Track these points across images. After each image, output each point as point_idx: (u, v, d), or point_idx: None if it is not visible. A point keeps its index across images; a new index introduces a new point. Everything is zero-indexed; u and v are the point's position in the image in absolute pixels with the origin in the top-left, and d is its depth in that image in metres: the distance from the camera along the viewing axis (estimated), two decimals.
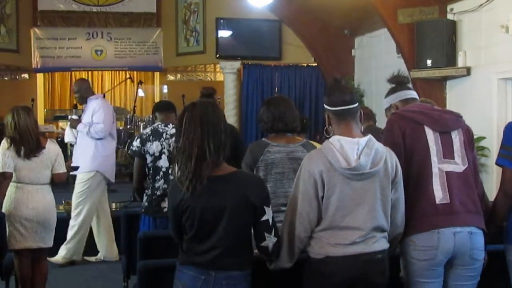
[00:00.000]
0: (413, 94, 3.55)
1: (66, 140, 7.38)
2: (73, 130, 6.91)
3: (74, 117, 7.04)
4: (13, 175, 4.98)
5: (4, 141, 5.01)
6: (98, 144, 6.73)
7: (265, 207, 2.84)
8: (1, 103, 10.63)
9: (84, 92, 6.89)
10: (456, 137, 3.29)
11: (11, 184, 5.01)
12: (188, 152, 2.77)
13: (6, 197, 5.02)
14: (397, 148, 3.17)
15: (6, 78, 12.67)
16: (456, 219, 3.15)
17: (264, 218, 2.83)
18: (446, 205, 3.16)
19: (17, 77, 12.82)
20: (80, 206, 6.70)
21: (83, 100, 6.91)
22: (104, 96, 7.23)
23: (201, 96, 5.24)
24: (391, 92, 3.58)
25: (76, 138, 6.91)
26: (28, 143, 4.96)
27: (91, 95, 6.93)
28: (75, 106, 7.59)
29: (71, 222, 6.69)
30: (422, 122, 3.28)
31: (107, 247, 6.93)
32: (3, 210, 5.01)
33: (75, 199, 6.71)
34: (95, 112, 6.72)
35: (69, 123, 7.04)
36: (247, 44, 11.98)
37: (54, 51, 12.81)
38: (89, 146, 6.69)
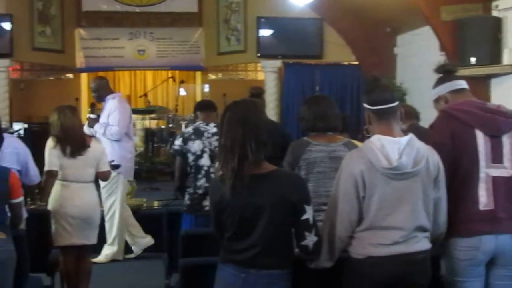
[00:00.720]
0: (462, 84, 3.44)
1: None
2: (91, 129, 6.80)
3: (92, 116, 6.95)
4: (59, 173, 5.08)
5: (50, 140, 5.10)
6: (115, 145, 6.68)
7: (305, 205, 2.83)
8: (46, 102, 10.84)
9: (102, 91, 6.84)
10: (507, 140, 3.21)
11: (56, 182, 5.10)
12: (230, 151, 2.79)
13: (51, 195, 5.11)
14: (444, 149, 3.12)
15: (51, 78, 12.90)
16: (499, 226, 3.12)
17: (304, 217, 2.83)
18: (490, 211, 3.12)
19: (62, 77, 13.04)
20: (112, 208, 6.66)
21: (101, 99, 6.86)
22: (120, 95, 7.16)
23: (250, 96, 5.25)
24: (439, 82, 3.47)
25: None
26: (73, 142, 5.04)
27: (109, 94, 6.87)
28: (93, 105, 7.48)
29: (107, 225, 6.66)
30: (473, 124, 3.20)
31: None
32: (49, 207, 5.11)
33: (105, 202, 6.64)
34: (111, 113, 6.68)
35: (87, 122, 6.94)
36: (288, 42, 11.96)
37: (98, 51, 12.99)
38: (107, 147, 6.42)
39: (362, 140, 4.39)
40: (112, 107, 6.70)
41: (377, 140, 2.94)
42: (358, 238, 2.96)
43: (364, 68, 11.65)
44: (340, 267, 3.01)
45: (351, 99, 11.96)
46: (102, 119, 6.75)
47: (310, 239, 2.86)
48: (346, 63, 12.17)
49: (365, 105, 3.08)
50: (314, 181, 3.77)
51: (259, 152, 2.79)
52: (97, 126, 6.72)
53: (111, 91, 7.01)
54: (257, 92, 5.61)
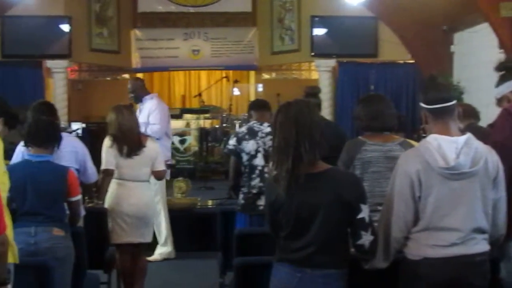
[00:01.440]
0: None
1: None
2: None
3: None
4: (115, 172, 5.16)
5: (107, 139, 5.19)
6: None
7: (361, 205, 2.81)
8: (103, 102, 11.04)
9: (139, 91, 6.87)
10: None
11: (113, 180, 5.19)
12: (284, 151, 2.79)
13: (108, 193, 5.20)
14: (504, 148, 3.06)
15: (108, 78, 13.13)
16: None
17: (360, 215, 2.80)
18: None
19: (118, 77, 13.25)
20: (158, 207, 6.57)
21: (138, 100, 6.88)
22: (157, 95, 7.19)
23: (306, 96, 5.21)
24: (501, 80, 3.40)
25: None
26: (130, 142, 5.11)
27: (146, 94, 6.91)
28: (130, 106, 7.37)
29: (156, 227, 6.51)
30: None
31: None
32: (106, 205, 5.20)
33: None
34: (151, 112, 6.70)
35: None
36: (342, 41, 11.87)
37: (153, 51, 13.16)
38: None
39: (418, 139, 4.33)
40: (152, 107, 6.75)
41: (434, 140, 2.89)
42: (414, 239, 2.92)
43: (420, 67, 11.48)
44: (396, 268, 2.98)
45: (406, 98, 11.81)
46: (142, 119, 6.65)
47: (366, 238, 2.83)
48: (401, 61, 12.02)
49: (422, 104, 3.04)
50: (369, 181, 3.73)
51: (313, 152, 2.78)
52: None
53: (147, 92, 7.06)
54: (313, 91, 5.56)
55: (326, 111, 11.62)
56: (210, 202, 8.40)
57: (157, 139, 6.56)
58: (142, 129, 6.52)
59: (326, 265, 2.81)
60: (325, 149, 2.84)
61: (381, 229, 2.96)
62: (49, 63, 11.34)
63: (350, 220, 2.83)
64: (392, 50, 11.75)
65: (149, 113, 6.72)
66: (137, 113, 6.81)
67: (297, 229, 2.82)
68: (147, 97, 6.89)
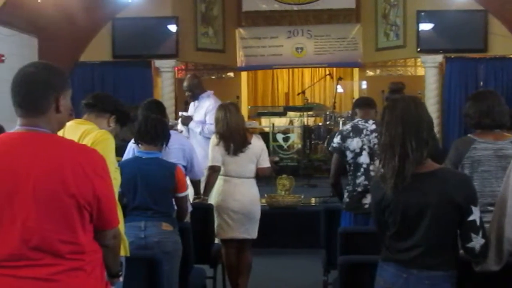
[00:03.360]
0: None
1: None
2: (184, 127, 6.73)
3: (185, 114, 6.90)
4: (221, 168, 5.25)
5: (213, 137, 5.30)
6: (206, 143, 6.26)
7: (472, 206, 2.71)
8: None
9: (195, 89, 6.77)
10: None
11: (219, 177, 5.29)
12: (391, 150, 2.74)
13: (214, 190, 5.31)
14: None
15: (213, 77, 13.35)
16: None
17: (470, 218, 2.70)
18: None
19: (223, 76, 13.46)
20: None
21: (195, 97, 6.80)
22: (213, 93, 6.99)
23: (390, 92, 5.12)
24: None
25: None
26: (236, 139, 5.19)
27: (202, 92, 6.80)
28: (187, 103, 7.22)
29: None
30: None
31: None
32: (212, 201, 5.31)
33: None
34: (208, 112, 6.53)
35: (179, 119, 6.88)
36: (449, 36, 11.51)
37: (257, 50, 13.26)
38: (202, 145, 6.33)
39: None
40: (209, 106, 6.62)
41: None
42: None
43: None
44: (509, 272, 2.86)
45: None
46: (198, 117, 6.70)
47: (476, 241, 2.73)
48: None
49: None
50: (479, 181, 3.61)
51: (420, 151, 2.71)
52: (192, 124, 6.69)
53: (204, 89, 6.90)
54: (397, 87, 5.45)
55: (433, 108, 11.30)
56: (313, 200, 8.40)
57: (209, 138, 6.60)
58: (199, 129, 6.57)
59: (434, 266, 2.73)
60: (434, 148, 2.76)
61: (494, 230, 2.85)
62: (157, 62, 11.67)
63: (460, 222, 2.73)
64: (503, 44, 11.27)
65: (206, 112, 6.62)
66: (192, 110, 6.87)
67: (404, 229, 2.76)
68: (203, 95, 6.81)
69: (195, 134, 6.65)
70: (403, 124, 2.73)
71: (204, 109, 6.68)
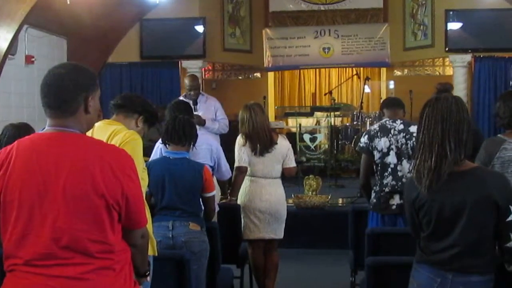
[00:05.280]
0: None
1: None
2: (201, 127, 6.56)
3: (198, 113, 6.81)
4: (248, 169, 5.26)
5: (239, 137, 5.30)
6: (217, 140, 6.42)
7: (510, 206, 2.65)
8: (236, 100, 11.24)
9: (199, 89, 7.05)
10: None
11: (245, 177, 5.30)
12: (428, 148, 2.71)
13: (241, 190, 5.31)
14: None
15: (240, 77, 13.38)
16: None
17: (509, 218, 2.64)
18: None
19: (250, 76, 13.46)
20: None
21: (198, 97, 6.97)
22: None
23: (437, 92, 5.06)
24: None
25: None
26: (263, 140, 5.19)
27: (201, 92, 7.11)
28: (195, 103, 7.02)
29: None
30: None
31: None
32: (239, 202, 5.32)
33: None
34: (217, 108, 6.92)
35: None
36: (478, 35, 11.39)
37: (284, 50, 13.24)
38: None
39: None
40: (215, 103, 6.98)
41: None
42: None
43: None
44: None
45: None
46: (209, 115, 6.85)
47: None
48: None
49: None
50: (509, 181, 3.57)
51: (458, 151, 2.68)
52: (209, 123, 6.78)
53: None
54: (445, 88, 5.37)
55: None
56: (340, 200, 8.37)
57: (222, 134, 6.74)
58: (216, 126, 6.78)
59: (469, 269, 2.68)
60: (471, 148, 2.72)
61: None
62: (185, 63, 11.72)
63: (498, 223, 2.68)
64: None
65: (215, 109, 6.91)
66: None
67: (439, 229, 2.72)
68: (203, 93, 7.18)
69: (205, 133, 6.44)
70: (443, 123, 2.70)
71: (212, 107, 6.96)
